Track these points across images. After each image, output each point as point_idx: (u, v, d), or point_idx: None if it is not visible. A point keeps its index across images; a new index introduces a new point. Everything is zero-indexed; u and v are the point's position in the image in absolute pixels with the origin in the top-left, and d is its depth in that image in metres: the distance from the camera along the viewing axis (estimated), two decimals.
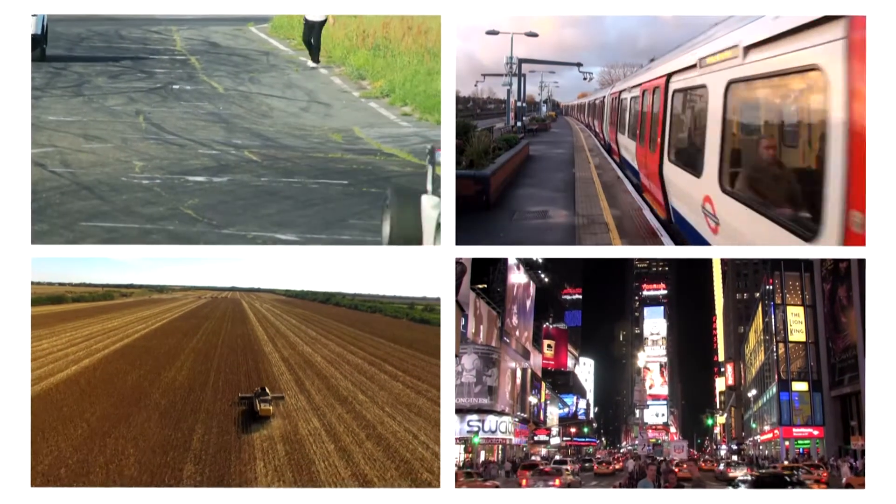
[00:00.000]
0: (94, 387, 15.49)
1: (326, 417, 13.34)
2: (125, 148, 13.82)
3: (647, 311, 79.67)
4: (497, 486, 16.75)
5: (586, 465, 26.13)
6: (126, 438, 11.28)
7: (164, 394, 15.02)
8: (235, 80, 18.24)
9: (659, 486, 11.29)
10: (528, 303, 33.53)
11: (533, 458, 26.21)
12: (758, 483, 15.20)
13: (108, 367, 18.35)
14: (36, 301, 36.45)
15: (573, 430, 45.12)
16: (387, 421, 13.12)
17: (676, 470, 15.86)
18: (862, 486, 14.48)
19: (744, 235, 8.20)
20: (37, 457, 10.25)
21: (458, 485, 14.68)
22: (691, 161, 10.09)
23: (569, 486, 18.52)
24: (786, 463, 23.91)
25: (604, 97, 29.21)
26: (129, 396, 14.57)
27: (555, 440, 37.42)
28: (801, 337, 29.53)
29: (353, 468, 10.24)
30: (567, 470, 19.97)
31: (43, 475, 9.64)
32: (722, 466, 26.16)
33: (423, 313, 36.11)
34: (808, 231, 6.89)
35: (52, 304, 39.08)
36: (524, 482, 18.00)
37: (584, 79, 38.43)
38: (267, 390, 13.93)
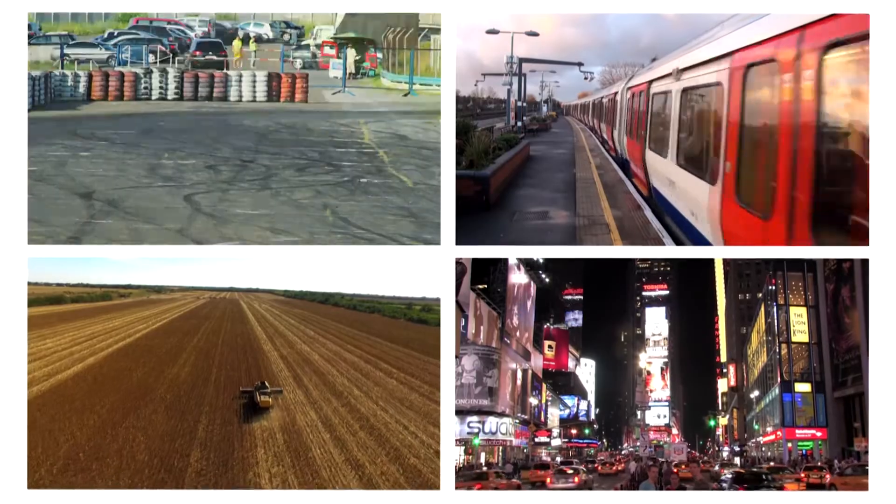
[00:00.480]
0: (102, 383, 16.12)
1: (323, 410, 14.04)
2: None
3: (648, 311, 79.43)
4: (520, 486, 17.45)
5: (589, 465, 26.28)
6: (136, 428, 11.96)
7: (169, 389, 15.70)
8: (425, 173, 17.34)
9: (661, 488, 11.25)
10: (529, 303, 33.42)
11: (545, 458, 27.02)
12: (737, 480, 16.29)
13: (113, 365, 19.01)
14: (35, 301, 36.78)
15: (574, 431, 45.01)
16: (379, 413, 13.83)
17: (675, 470, 16.10)
18: (845, 485, 15.12)
19: None
20: (56, 442, 10.91)
21: (486, 485, 15.61)
22: None
23: (584, 483, 19.69)
24: (772, 464, 24.74)
25: (615, 94, 23.92)
26: (136, 391, 15.25)
27: (556, 442, 37.31)
28: (804, 338, 29.37)
29: (347, 454, 10.97)
30: (583, 469, 21.31)
31: (64, 458, 10.22)
32: (717, 467, 27.28)
33: (420, 313, 36.36)
34: None
35: (51, 304, 39.33)
36: (549, 480, 18.94)
37: (585, 78, 38.31)
38: (266, 384, 14.78)
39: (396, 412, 14.02)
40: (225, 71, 28.11)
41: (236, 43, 33.16)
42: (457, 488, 14.43)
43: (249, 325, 34.76)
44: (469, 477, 16.60)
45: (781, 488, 16.17)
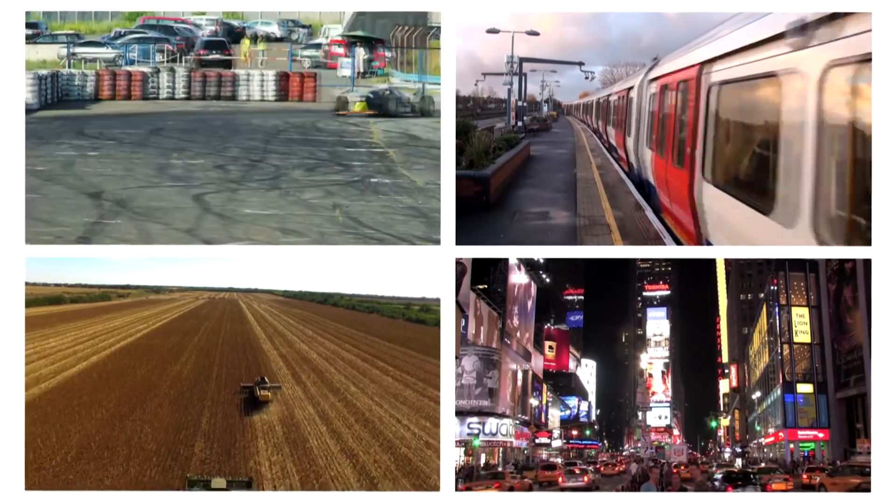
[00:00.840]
0: (107, 380, 16.79)
1: (320, 405, 14.76)
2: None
3: (649, 312, 79.29)
4: (531, 486, 18.43)
5: (591, 466, 26.37)
6: (142, 421, 12.74)
7: (172, 385, 16.44)
8: (435, 173, 16.81)
9: (662, 489, 11.19)
10: (530, 304, 33.32)
11: (552, 459, 27.81)
12: (726, 478, 17.37)
13: (117, 363, 19.63)
14: (35, 302, 36.89)
15: (575, 432, 44.90)
16: (374, 408, 14.57)
17: (675, 471, 16.35)
18: (834, 485, 15.47)
19: None
20: (68, 433, 11.64)
21: (503, 484, 16.33)
22: None
23: (592, 482, 20.57)
24: (762, 465, 25.55)
25: (628, 89, 18.70)
26: (140, 387, 15.99)
27: (556, 443, 37.21)
28: (806, 338, 29.23)
29: (342, 445, 11.73)
30: (591, 469, 22.15)
31: (77, 447, 10.92)
32: (714, 468, 27.62)
33: (418, 313, 36.49)
34: None
35: (50, 304, 39.53)
36: (561, 479, 19.90)
37: (587, 78, 38.28)
38: (266, 379, 15.57)
39: (391, 407, 14.69)
40: (233, 70, 27.85)
41: (245, 42, 32.93)
42: (474, 488, 15.95)
43: (249, 324, 35.11)
44: (487, 476, 17.57)
45: (765, 486, 17.07)
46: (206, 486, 9.05)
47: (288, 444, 11.65)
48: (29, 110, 23.31)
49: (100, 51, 30.83)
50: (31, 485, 9.79)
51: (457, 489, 16.15)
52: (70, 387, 15.59)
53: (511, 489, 16.53)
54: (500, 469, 20.13)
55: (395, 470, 10.59)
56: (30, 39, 34.30)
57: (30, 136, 19.44)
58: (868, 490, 13.98)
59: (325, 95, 26.72)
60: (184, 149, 18.41)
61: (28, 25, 36.22)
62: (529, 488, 17.98)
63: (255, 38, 35.00)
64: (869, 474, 15.02)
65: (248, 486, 9.39)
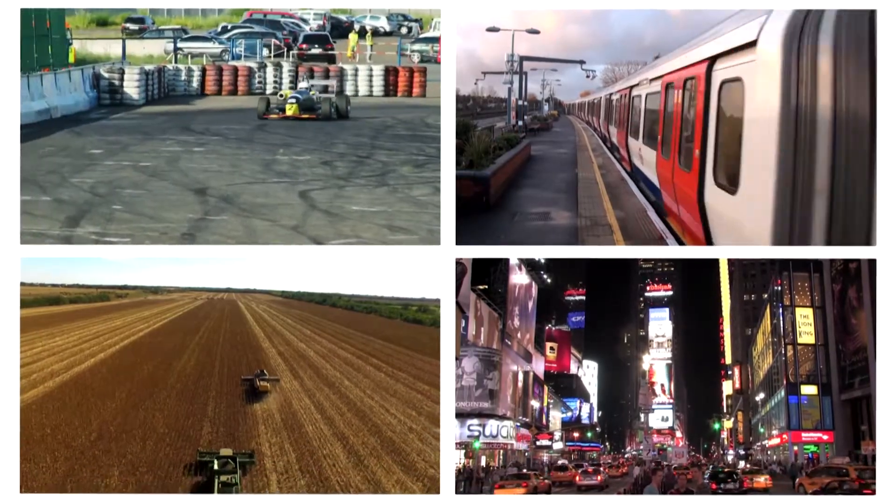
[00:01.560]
0: (116, 374, 17.42)
1: (315, 397, 15.34)
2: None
3: (652, 312, 78.94)
4: (550, 486, 19.37)
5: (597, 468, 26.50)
6: (153, 409, 13.47)
7: (178, 379, 17.08)
8: None
9: (664, 492, 11.05)
10: (531, 304, 33.16)
11: (562, 461, 28.46)
12: (711, 475, 19.01)
13: (123, 360, 20.10)
14: (35, 302, 37.02)
15: (576, 434, 44.71)
16: (366, 400, 15.19)
17: (675, 472, 16.58)
18: (812, 485, 15.77)
19: None
20: (87, 419, 12.51)
21: (529, 484, 17.31)
22: None
23: (604, 481, 21.65)
24: (748, 466, 26.93)
25: (707, 62, 8.07)
26: (148, 381, 16.66)
27: (557, 445, 37.03)
28: (811, 339, 29.04)
29: (335, 429, 12.42)
30: (602, 470, 23.16)
31: (97, 430, 11.79)
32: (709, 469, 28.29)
33: (416, 313, 36.50)
34: None
35: (50, 304, 39.76)
36: (577, 478, 21.09)
37: (588, 77, 38.16)
38: (265, 372, 16.36)
39: (381, 399, 15.29)
40: (340, 65, 27.29)
41: (352, 36, 32.26)
42: (507, 486, 17.06)
43: (248, 324, 35.30)
44: (513, 476, 18.60)
45: (742, 482, 18.42)
46: (215, 455, 9.80)
47: (286, 429, 12.33)
48: (133, 105, 23.29)
49: (206, 46, 30.55)
50: (63, 459, 10.20)
51: (492, 490, 17.23)
52: (82, 380, 16.11)
53: (535, 489, 17.53)
54: (525, 470, 21.20)
55: (380, 449, 11.28)
56: (136, 35, 34.24)
57: (134, 132, 19.65)
58: (838, 489, 14.47)
59: (433, 91, 25.93)
60: (290, 145, 18.19)
61: (134, 21, 36.24)
62: (548, 488, 18.99)
63: (363, 33, 34.42)
64: (845, 475, 15.44)
65: (250, 456, 10.16)
